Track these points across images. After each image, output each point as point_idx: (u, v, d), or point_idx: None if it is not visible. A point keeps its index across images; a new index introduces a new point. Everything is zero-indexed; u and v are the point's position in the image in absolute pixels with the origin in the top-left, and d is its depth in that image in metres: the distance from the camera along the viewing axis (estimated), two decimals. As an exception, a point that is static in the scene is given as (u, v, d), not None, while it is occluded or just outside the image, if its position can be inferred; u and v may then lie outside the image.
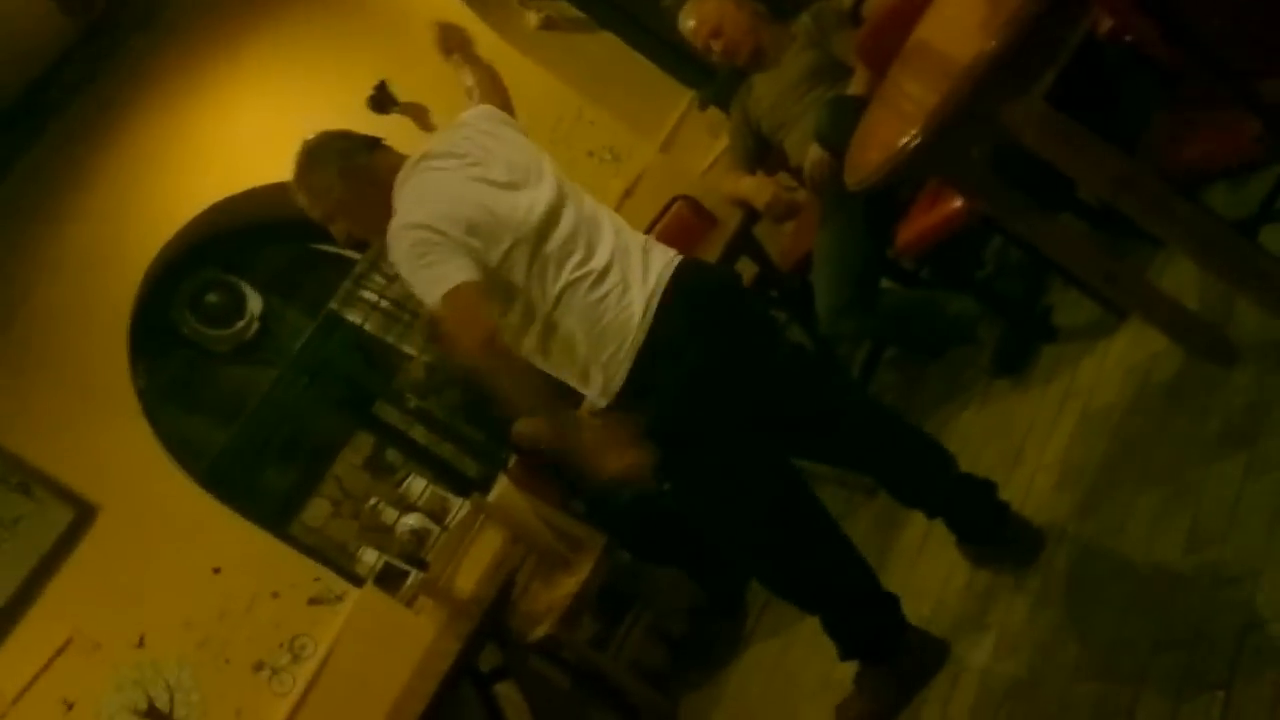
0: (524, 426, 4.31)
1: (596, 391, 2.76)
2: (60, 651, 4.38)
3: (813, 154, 3.86)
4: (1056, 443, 3.14)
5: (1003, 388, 3.67)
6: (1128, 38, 2.46)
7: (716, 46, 4.25)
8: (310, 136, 2.89)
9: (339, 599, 4.73)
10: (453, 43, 3.13)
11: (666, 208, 5.73)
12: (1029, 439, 3.30)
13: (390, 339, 5.24)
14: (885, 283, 4.22)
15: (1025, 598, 2.83)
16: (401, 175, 2.76)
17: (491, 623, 4.16)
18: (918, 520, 3.65)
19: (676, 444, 2.67)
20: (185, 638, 4.51)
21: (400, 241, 2.64)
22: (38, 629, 4.38)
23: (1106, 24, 2.44)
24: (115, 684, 4.39)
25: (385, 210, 2.71)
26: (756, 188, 4.27)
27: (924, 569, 3.44)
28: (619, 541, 4.50)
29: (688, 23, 4.26)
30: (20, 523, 4.43)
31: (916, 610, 3.30)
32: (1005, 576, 2.98)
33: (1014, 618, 2.83)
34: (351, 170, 2.78)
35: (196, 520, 4.58)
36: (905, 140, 2.24)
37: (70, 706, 4.33)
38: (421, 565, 5.18)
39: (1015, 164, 2.64)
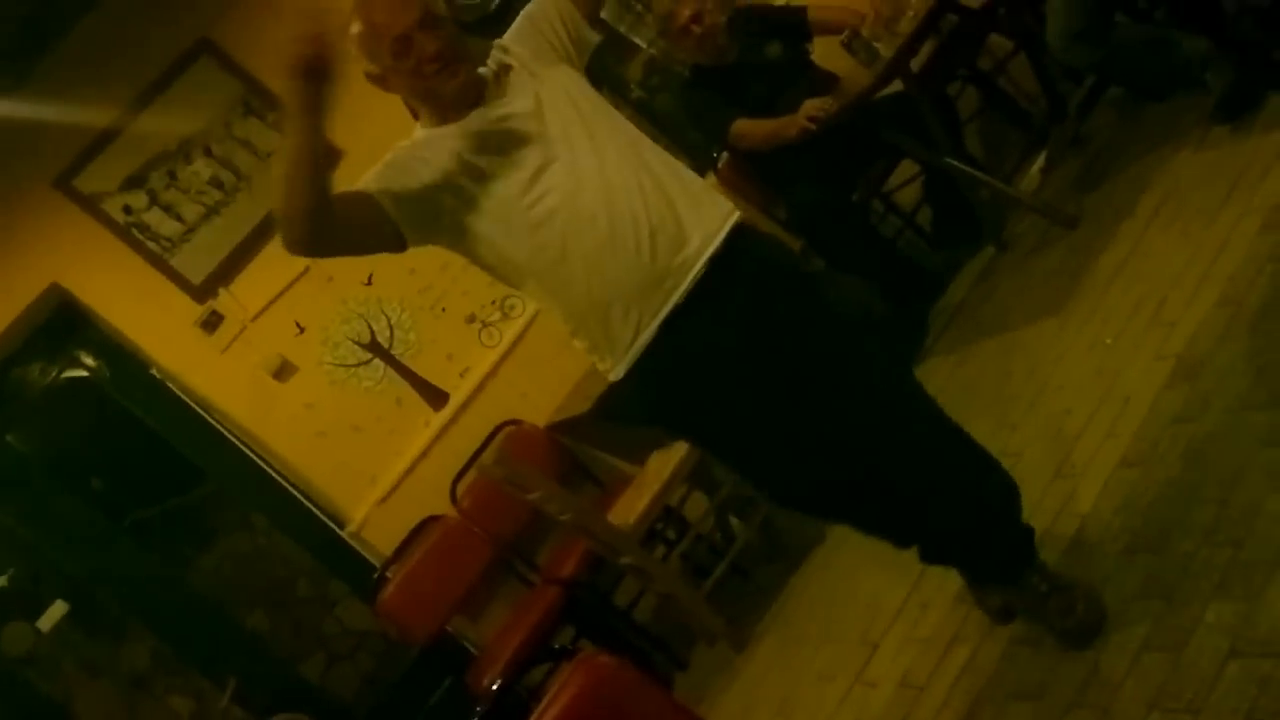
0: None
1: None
2: (297, 279, 4.74)
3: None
4: (1267, 188, 3.17)
5: (1220, 135, 3.66)
6: None
7: None
8: None
9: (553, 269, 4.97)
10: None
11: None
12: (1240, 183, 3.33)
13: (622, 29, 5.29)
14: (1119, 19, 4.16)
15: (1210, 329, 2.94)
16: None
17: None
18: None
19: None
20: (409, 283, 4.83)
21: None
22: (279, 256, 4.48)
23: None
24: (343, 315, 4.76)
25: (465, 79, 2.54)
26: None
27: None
28: (811, 241, 4.63)
29: None
30: (273, 157, 4.63)
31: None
32: (1192, 314, 3.08)
33: (1194, 351, 2.94)
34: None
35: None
36: None
37: (302, 330, 4.72)
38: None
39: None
